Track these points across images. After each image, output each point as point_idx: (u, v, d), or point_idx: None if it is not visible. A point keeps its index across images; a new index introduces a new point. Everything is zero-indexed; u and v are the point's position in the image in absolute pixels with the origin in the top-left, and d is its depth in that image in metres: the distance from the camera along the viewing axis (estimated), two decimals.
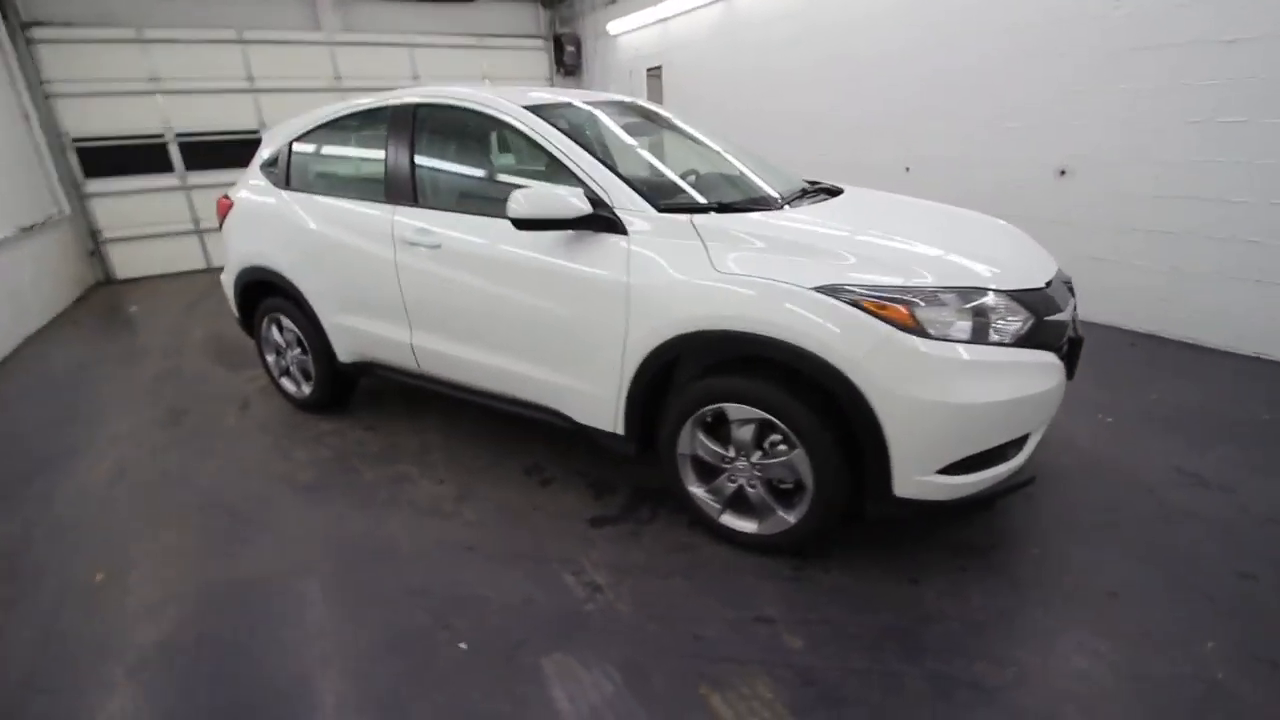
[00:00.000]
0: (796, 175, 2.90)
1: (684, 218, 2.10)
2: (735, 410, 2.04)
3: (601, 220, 2.15)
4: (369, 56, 8.27)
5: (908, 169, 5.26)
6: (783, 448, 2.01)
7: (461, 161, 2.82)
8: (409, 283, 2.69)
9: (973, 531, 2.28)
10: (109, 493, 2.82)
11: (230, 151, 7.22)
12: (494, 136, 2.73)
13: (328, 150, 3.16)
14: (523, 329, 2.43)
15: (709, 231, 2.05)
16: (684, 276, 2.02)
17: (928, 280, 1.82)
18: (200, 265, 7.75)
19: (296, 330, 3.28)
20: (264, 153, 3.37)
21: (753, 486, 2.12)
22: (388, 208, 2.73)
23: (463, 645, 1.88)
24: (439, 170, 2.70)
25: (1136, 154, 3.87)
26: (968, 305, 1.81)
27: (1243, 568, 2.06)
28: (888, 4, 5.12)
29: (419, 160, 2.67)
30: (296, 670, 1.82)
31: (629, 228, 2.13)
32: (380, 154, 2.78)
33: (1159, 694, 1.63)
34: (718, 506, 2.23)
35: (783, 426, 1.96)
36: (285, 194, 3.17)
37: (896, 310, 1.76)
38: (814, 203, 2.47)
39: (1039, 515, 2.37)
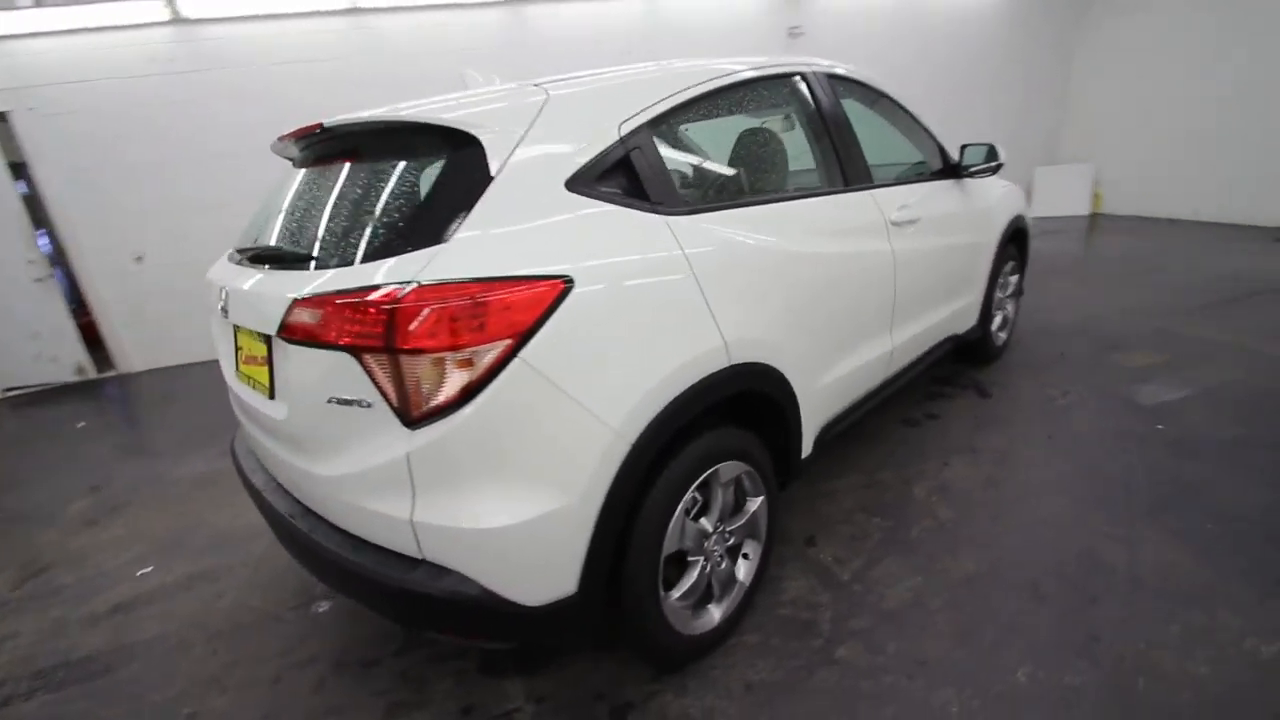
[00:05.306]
0: None
1: (985, 168, 3.18)
2: None
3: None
4: None
5: None
6: None
7: (867, 135, 2.44)
8: (904, 270, 2.35)
9: None
10: None
11: None
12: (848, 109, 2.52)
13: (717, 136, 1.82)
14: (951, 271, 2.81)
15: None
16: (998, 201, 3.20)
17: None
18: None
19: (751, 468, 1.79)
20: (557, 160, 1.40)
21: None
22: (857, 195, 2.20)
23: None
24: (855, 146, 2.33)
25: None
26: None
27: None
28: None
29: (839, 136, 2.26)
30: None
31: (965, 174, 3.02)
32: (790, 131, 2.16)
33: None
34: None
35: None
36: (683, 221, 1.60)
37: None
38: None
39: None
